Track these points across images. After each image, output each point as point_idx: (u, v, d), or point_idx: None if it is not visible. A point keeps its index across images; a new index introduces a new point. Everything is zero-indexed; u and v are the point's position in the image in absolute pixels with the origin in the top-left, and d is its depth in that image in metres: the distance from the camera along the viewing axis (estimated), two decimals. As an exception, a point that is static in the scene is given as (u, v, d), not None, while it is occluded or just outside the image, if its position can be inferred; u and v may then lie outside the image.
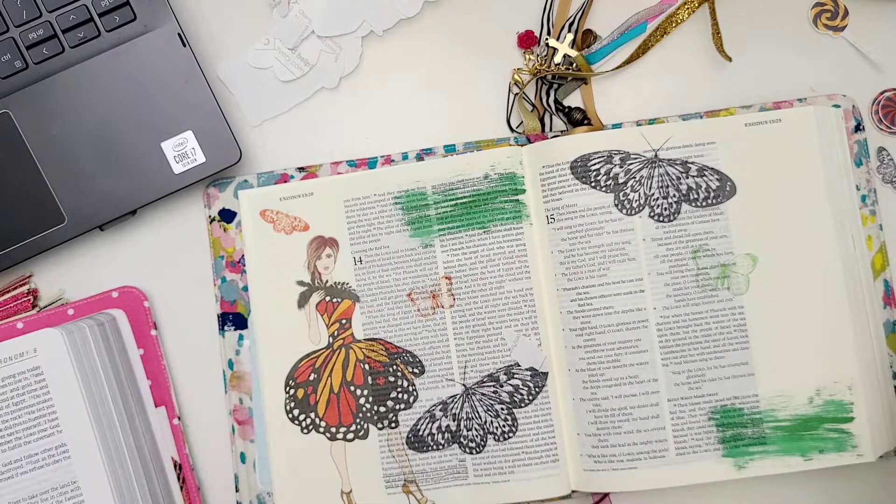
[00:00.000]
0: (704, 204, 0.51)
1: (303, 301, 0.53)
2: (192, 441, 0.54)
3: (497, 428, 0.51)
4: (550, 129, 0.54)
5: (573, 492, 0.51)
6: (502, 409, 0.51)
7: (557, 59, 0.54)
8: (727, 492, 0.52)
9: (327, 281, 0.53)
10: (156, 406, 0.53)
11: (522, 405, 0.51)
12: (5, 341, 0.50)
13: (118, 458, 0.50)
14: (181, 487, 0.53)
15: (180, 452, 0.53)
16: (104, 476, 0.49)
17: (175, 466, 0.53)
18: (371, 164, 0.54)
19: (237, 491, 0.52)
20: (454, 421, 0.51)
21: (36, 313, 0.53)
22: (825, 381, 0.50)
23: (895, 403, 0.51)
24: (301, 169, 0.54)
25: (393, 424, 0.52)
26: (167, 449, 0.53)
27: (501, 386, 0.51)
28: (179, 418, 0.53)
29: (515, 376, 0.51)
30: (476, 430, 0.51)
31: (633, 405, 0.50)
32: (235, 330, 0.53)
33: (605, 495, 0.53)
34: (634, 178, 0.51)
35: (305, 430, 0.52)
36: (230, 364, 0.53)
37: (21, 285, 0.54)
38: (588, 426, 0.50)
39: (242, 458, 0.53)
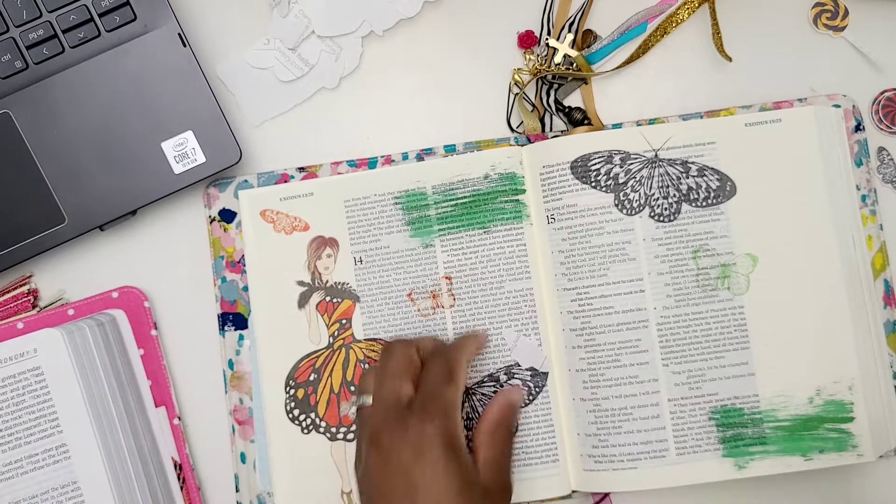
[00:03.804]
0: (704, 204, 0.51)
1: (303, 301, 0.53)
2: (192, 441, 0.54)
3: (497, 428, 0.51)
4: (550, 129, 0.54)
5: (573, 492, 0.51)
6: (502, 409, 0.51)
7: (557, 59, 0.54)
8: (727, 492, 0.52)
9: (327, 281, 0.53)
10: (156, 406, 0.53)
11: (522, 405, 0.51)
12: (5, 341, 0.50)
13: (118, 458, 0.50)
14: (181, 487, 0.53)
15: (180, 452, 0.53)
16: (104, 476, 0.49)
17: (175, 466, 0.53)
18: (371, 164, 0.54)
19: (237, 491, 0.52)
20: (454, 421, 0.51)
21: (36, 313, 0.53)
22: (825, 381, 0.50)
23: (895, 403, 0.51)
24: (301, 169, 0.54)
25: (393, 424, 0.52)
26: (167, 449, 0.53)
27: (501, 386, 0.51)
28: (179, 418, 0.53)
29: (515, 376, 0.51)
30: (476, 430, 0.51)
31: (634, 405, 0.50)
32: (235, 330, 0.53)
33: (606, 495, 0.53)
34: (634, 178, 0.51)
35: (306, 431, 0.52)
36: (230, 364, 0.53)
37: (21, 285, 0.54)
38: (588, 426, 0.50)
39: (242, 458, 0.53)
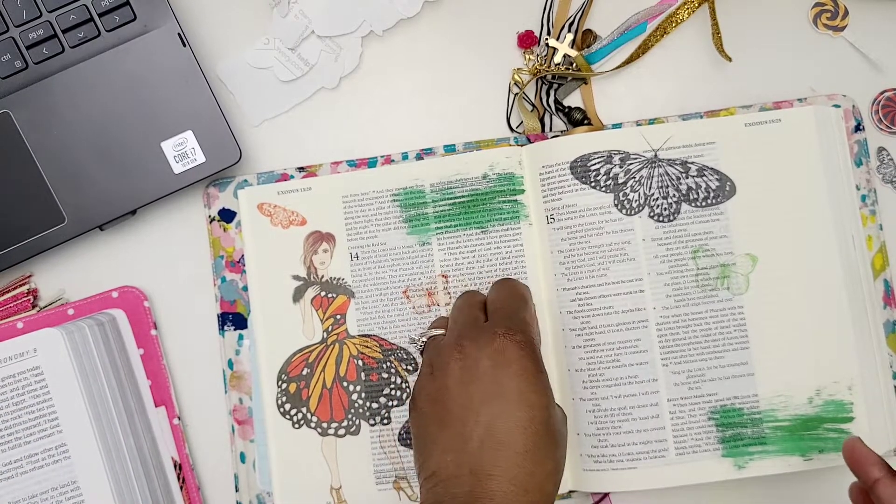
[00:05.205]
0: (704, 204, 0.51)
1: (298, 295, 0.53)
2: (192, 441, 0.54)
3: (497, 428, 0.51)
4: (550, 129, 0.54)
5: (573, 492, 0.51)
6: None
7: (557, 59, 0.54)
8: (727, 492, 0.52)
9: (323, 276, 0.53)
10: (156, 406, 0.53)
11: None
12: (5, 341, 0.50)
13: (118, 458, 0.50)
14: (181, 487, 0.53)
15: (180, 452, 0.53)
16: (104, 476, 0.49)
17: (175, 466, 0.53)
18: (371, 163, 0.54)
19: (237, 491, 0.52)
20: (453, 421, 0.51)
21: (36, 313, 0.53)
22: (825, 381, 0.50)
23: (895, 403, 0.51)
24: (301, 169, 0.54)
25: (385, 421, 0.52)
26: (167, 449, 0.53)
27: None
28: (179, 418, 0.53)
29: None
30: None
31: (633, 405, 0.50)
32: (235, 330, 0.53)
33: (605, 495, 0.52)
34: (634, 178, 0.51)
35: (297, 425, 0.52)
36: (230, 364, 0.53)
37: (21, 285, 0.54)
38: (588, 426, 0.50)
39: (242, 457, 0.53)
